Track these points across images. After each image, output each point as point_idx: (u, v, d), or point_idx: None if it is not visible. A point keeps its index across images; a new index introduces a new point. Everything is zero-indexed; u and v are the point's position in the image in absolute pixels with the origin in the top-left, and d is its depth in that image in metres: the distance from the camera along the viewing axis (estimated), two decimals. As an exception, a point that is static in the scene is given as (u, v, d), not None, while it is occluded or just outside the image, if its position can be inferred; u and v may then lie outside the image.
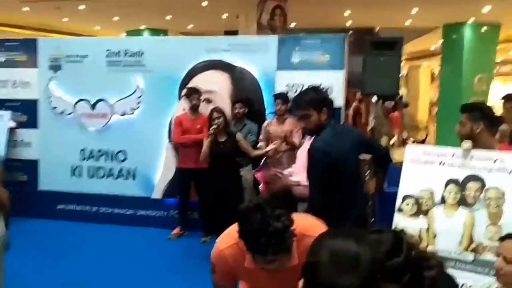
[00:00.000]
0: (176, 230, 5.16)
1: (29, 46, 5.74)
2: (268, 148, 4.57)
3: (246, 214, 1.56)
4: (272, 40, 5.23)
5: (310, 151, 2.56)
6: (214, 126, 4.46)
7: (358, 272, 0.97)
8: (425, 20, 12.19)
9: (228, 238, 1.79)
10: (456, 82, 12.31)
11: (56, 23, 13.34)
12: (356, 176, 2.61)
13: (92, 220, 5.50)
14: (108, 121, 5.55)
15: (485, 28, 11.96)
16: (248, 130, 4.84)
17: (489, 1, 9.94)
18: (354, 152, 2.59)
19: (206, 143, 4.48)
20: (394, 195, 2.65)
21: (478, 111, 2.62)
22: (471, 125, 2.58)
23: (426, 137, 11.73)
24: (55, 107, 5.65)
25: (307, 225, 1.71)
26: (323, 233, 1.16)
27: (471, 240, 2.29)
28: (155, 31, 14.21)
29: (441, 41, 13.18)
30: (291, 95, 4.95)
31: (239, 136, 4.56)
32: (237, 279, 1.90)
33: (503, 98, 3.97)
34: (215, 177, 4.53)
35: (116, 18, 12.62)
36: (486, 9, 10.42)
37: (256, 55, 5.17)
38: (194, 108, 5.00)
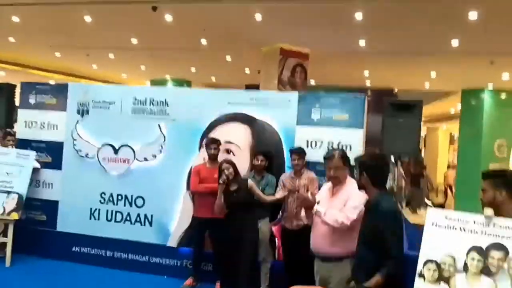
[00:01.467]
0: (189, 281, 5.09)
1: (59, 91, 6.00)
2: (278, 195, 4.63)
3: None
4: (292, 96, 5.37)
5: (392, 212, 2.83)
6: (223, 177, 4.49)
7: None
8: (444, 84, 12.38)
9: None
10: (475, 147, 12.29)
11: (85, 69, 13.94)
12: None
13: (106, 265, 5.48)
14: (129, 166, 5.65)
15: (504, 94, 12.08)
16: (266, 182, 4.87)
17: (508, 68, 10.10)
18: None
19: (218, 195, 4.50)
20: (415, 258, 2.61)
21: (501, 178, 2.63)
22: (494, 192, 2.58)
23: (445, 201, 11.53)
24: (80, 150, 5.80)
25: None
26: None
27: (495, 311, 2.22)
28: (179, 82, 14.68)
29: (459, 105, 13.29)
30: (309, 150, 5.02)
31: (250, 182, 4.58)
32: None
33: None
34: (230, 226, 4.52)
35: (142, 67, 13.13)
36: (505, 75, 10.57)
37: (277, 110, 5.29)
38: (213, 158, 5.08)
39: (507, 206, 2.54)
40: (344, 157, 3.54)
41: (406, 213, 6.83)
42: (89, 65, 13.25)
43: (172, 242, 5.44)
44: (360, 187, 3.05)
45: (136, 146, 5.65)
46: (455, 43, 8.28)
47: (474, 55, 8.94)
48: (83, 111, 5.86)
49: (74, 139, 5.83)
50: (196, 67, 12.69)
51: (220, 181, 4.49)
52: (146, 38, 9.63)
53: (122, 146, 5.70)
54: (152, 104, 5.65)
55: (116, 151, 5.71)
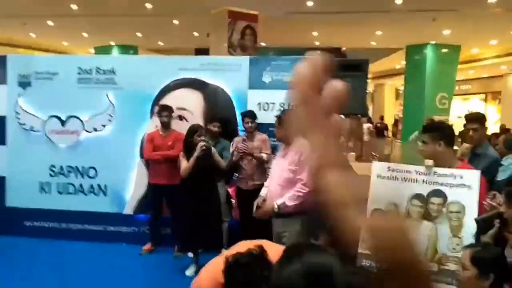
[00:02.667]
0: (148, 246, 5.15)
1: (-3, 63, 5.67)
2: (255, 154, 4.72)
3: (233, 271, 1.58)
4: (243, 60, 5.38)
5: None
6: (204, 144, 4.43)
7: (338, 282, 0.92)
8: (389, 42, 12.72)
9: (212, 276, 1.79)
10: (419, 100, 12.82)
11: (24, 39, 13.14)
12: None
13: (61, 237, 5.41)
14: (78, 138, 5.52)
15: (445, 49, 12.57)
16: (222, 147, 4.93)
17: (449, 25, 10.50)
18: None
19: (192, 158, 4.44)
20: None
21: (439, 131, 2.81)
22: (433, 144, 2.76)
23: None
24: (24, 124, 5.57)
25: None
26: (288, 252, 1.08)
27: (435, 252, 2.43)
28: (125, 48, 14.17)
29: (403, 61, 13.74)
30: (262, 113, 5.11)
31: (213, 149, 4.62)
32: None
33: (465, 118, 4.16)
34: (192, 192, 4.56)
35: (84, 35, 12.55)
36: (446, 31, 10.99)
37: (228, 74, 5.30)
38: (165, 125, 5.05)
39: (445, 156, 2.73)
40: None
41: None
42: (27, 34, 12.50)
43: (128, 210, 5.44)
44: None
45: (84, 117, 5.50)
46: (399, 1, 8.49)
47: (417, 12, 9.21)
48: (25, 84, 5.60)
49: (17, 113, 5.59)
50: (142, 32, 12.28)
51: (201, 146, 4.39)
52: (86, 3, 9.17)
53: (69, 117, 5.53)
54: (99, 73, 5.48)
55: (63, 122, 5.53)
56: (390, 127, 19.06)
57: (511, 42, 12.01)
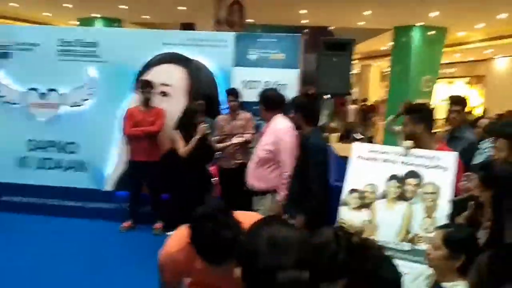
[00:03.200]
0: (127, 223, 5.14)
1: (-25, 32, 5.49)
2: (234, 141, 4.69)
3: (198, 222, 1.60)
4: (229, 36, 5.30)
5: (317, 147, 3.09)
6: (206, 126, 4.48)
7: (294, 252, 1.05)
8: (377, 22, 12.66)
9: (179, 240, 1.78)
10: (404, 83, 12.86)
11: (3, 8, 12.73)
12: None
13: (39, 213, 5.33)
14: (58, 111, 5.42)
15: (432, 31, 12.57)
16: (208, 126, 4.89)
17: (437, 6, 10.47)
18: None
19: (193, 140, 4.46)
20: (340, 189, 2.82)
21: (419, 113, 2.83)
22: (413, 126, 2.78)
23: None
24: (3, 96, 5.45)
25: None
26: (258, 222, 1.19)
27: (408, 231, 2.49)
28: (109, 20, 13.83)
29: (391, 42, 13.72)
30: (247, 91, 5.07)
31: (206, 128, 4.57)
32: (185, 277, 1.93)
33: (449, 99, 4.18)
34: (185, 172, 4.55)
35: (67, 5, 12.20)
36: (433, 13, 10.97)
37: (213, 50, 5.23)
38: (146, 101, 4.98)
39: (424, 138, 2.77)
40: (297, 103, 3.72)
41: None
42: (7, 3, 12.09)
43: (108, 186, 5.40)
44: (295, 124, 3.25)
45: (65, 90, 5.40)
46: (387, -19, 8.42)
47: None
48: (4, 54, 5.45)
49: (-4, 85, 5.46)
50: (127, 5, 11.97)
51: (202, 132, 4.46)
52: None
53: (49, 90, 5.41)
54: (81, 45, 5.35)
55: (43, 96, 5.42)
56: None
57: (497, 26, 12.07)
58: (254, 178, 3.55)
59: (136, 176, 5.07)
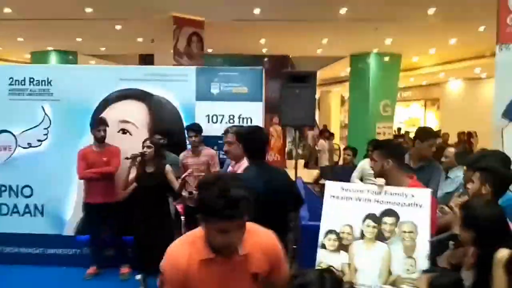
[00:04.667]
0: (92, 269, 4.83)
1: None
2: (185, 174, 4.42)
3: (208, 183, 1.66)
4: (190, 70, 5.20)
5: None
6: (135, 153, 4.32)
7: None
8: (334, 50, 12.99)
9: (179, 243, 1.84)
10: (364, 107, 13.18)
11: (-50, 43, 12.18)
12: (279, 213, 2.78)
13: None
14: (12, 154, 5.09)
15: (387, 57, 13.01)
16: (170, 162, 4.71)
17: (390, 34, 10.86)
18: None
19: (126, 169, 4.35)
20: (316, 228, 2.71)
21: (388, 148, 2.79)
22: (382, 162, 2.73)
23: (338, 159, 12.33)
24: (-51, 140, 5.08)
25: (253, 225, 1.84)
26: None
27: (389, 273, 2.39)
28: (64, 53, 13.51)
29: (349, 69, 14.08)
30: (210, 126, 4.95)
31: (168, 167, 4.38)
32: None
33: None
34: (144, 209, 4.31)
35: (20, 39, 11.82)
36: (388, 41, 11.36)
37: (174, 85, 5.10)
38: (100, 140, 4.73)
39: (395, 174, 2.71)
40: (238, 134, 3.57)
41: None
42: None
43: (69, 231, 5.08)
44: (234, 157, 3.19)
45: (17, 131, 5.08)
46: (343, 10, 8.66)
47: (361, 22, 9.45)
48: (-50, 95, 5.10)
49: None
50: (82, 37, 11.74)
51: (129, 156, 4.32)
52: (21, 7, 8.61)
53: (0, 131, 5.08)
54: (33, 83, 5.09)
55: (-6, 137, 5.09)
56: (336, 134, 19.45)
57: (448, 51, 12.64)
58: None
59: (94, 219, 4.80)
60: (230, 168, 3.71)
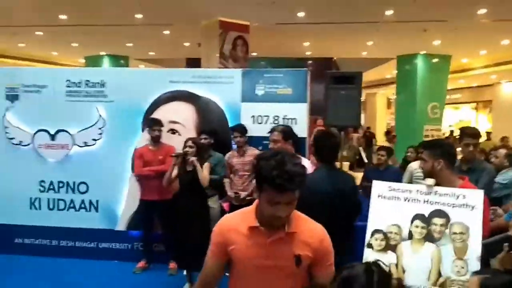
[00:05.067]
0: (141, 263, 5.03)
1: (-16, 75, 5.52)
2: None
3: (267, 156, 1.76)
4: (235, 73, 5.31)
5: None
6: (178, 151, 4.48)
7: None
8: (380, 52, 12.77)
9: (232, 213, 2.03)
10: (411, 109, 12.86)
11: (12, 49, 12.97)
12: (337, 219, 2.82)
13: (52, 254, 5.26)
14: (69, 152, 5.39)
15: (435, 59, 12.64)
16: (216, 161, 4.83)
17: (439, 35, 10.56)
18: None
19: (170, 167, 4.47)
20: (363, 228, 2.71)
21: (439, 148, 2.73)
22: (432, 162, 2.67)
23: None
24: (13, 138, 5.43)
25: (307, 217, 1.96)
26: None
27: (439, 275, 2.35)
28: (115, 58, 14.04)
29: (395, 71, 13.78)
30: (255, 126, 5.03)
31: (206, 165, 4.49)
32: (226, 258, 1.93)
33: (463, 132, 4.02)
34: (181, 206, 4.46)
35: (74, 44, 12.41)
36: (436, 42, 11.05)
37: (221, 87, 5.22)
38: (156, 140, 4.94)
39: (446, 175, 2.66)
40: (284, 132, 3.67)
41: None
42: (16, 44, 12.33)
43: (121, 226, 5.30)
44: (314, 163, 3.18)
45: (74, 131, 5.37)
46: (389, 12, 8.51)
47: (408, 23, 9.25)
48: (12, 97, 5.46)
49: (6, 127, 5.44)
50: (133, 42, 12.17)
51: (173, 154, 4.47)
52: (76, 13, 9.06)
53: (58, 131, 5.39)
54: (88, 85, 5.37)
55: (52, 137, 5.40)
56: (381, 136, 19.06)
57: (500, 52, 12.13)
58: None
59: (148, 216, 4.98)
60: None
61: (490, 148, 5.19)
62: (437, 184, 2.58)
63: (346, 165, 10.68)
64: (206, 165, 4.50)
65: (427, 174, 2.69)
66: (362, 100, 5.14)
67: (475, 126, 18.44)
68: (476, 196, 2.44)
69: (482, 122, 19.34)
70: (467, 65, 14.57)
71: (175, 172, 4.52)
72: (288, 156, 1.75)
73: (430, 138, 12.02)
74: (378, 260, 2.12)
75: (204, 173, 4.41)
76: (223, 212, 4.98)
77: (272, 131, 3.90)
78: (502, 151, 4.22)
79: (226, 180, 4.90)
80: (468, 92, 19.58)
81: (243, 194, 4.73)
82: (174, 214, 4.50)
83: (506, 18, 8.59)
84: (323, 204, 2.87)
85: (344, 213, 3.05)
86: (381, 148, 6.01)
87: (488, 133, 14.95)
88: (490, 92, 18.18)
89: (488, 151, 4.95)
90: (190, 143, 4.46)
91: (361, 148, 11.69)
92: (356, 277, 1.51)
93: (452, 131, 12.35)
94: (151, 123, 4.96)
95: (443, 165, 2.67)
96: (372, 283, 1.48)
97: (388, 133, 12.81)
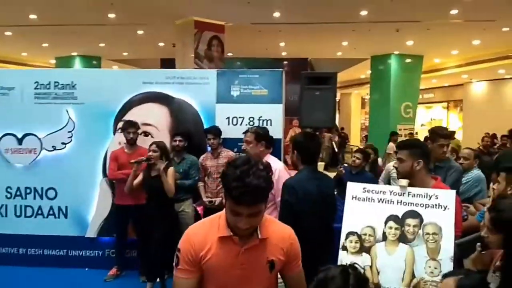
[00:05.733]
0: (113, 271, 4.90)
1: None
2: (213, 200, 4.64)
3: (234, 165, 1.66)
4: (210, 73, 5.23)
5: (283, 187, 2.93)
6: (141, 158, 4.41)
7: None
8: (354, 52, 12.89)
9: (199, 222, 1.95)
10: (384, 109, 13.03)
11: (-22, 49, 12.57)
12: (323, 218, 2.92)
13: (20, 263, 5.06)
14: (37, 157, 5.21)
15: (408, 59, 12.84)
16: (190, 163, 4.75)
17: (412, 36, 10.72)
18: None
19: (131, 173, 4.41)
20: (337, 230, 2.69)
21: (419, 149, 2.71)
22: (412, 162, 2.65)
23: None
24: (-23, 143, 5.23)
25: (274, 218, 1.99)
26: None
27: (412, 276, 2.35)
28: (88, 58, 13.77)
29: (369, 71, 13.95)
30: (230, 128, 4.98)
31: (170, 170, 4.39)
32: (199, 273, 1.81)
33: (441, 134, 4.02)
34: (146, 213, 4.41)
35: (45, 45, 12.11)
36: (409, 42, 11.21)
37: (195, 88, 5.14)
38: (131, 142, 4.84)
39: (422, 175, 2.65)
40: (257, 133, 3.65)
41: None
42: (-17, 44, 11.94)
43: (91, 233, 5.15)
44: (293, 164, 3.13)
45: (42, 134, 5.20)
46: (363, 12, 8.58)
47: (381, 23, 9.36)
48: (-22, 99, 5.25)
49: (-30, 131, 5.23)
50: (105, 42, 11.96)
51: (133, 161, 4.41)
52: (46, 13, 8.82)
53: (26, 135, 5.20)
54: (57, 87, 5.20)
55: (19, 141, 5.21)
56: (356, 136, 19.29)
57: (471, 52, 12.42)
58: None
59: (122, 220, 4.87)
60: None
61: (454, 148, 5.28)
62: (411, 184, 2.58)
63: (321, 166, 10.74)
64: (171, 171, 4.39)
65: (404, 174, 2.67)
66: (337, 100, 5.17)
67: (446, 125, 18.92)
68: (448, 196, 2.45)
69: (453, 121, 19.79)
70: (439, 65, 14.88)
71: (138, 178, 4.43)
72: (255, 167, 1.65)
73: (403, 138, 12.22)
74: (355, 263, 2.11)
75: (169, 183, 4.31)
76: (197, 216, 4.91)
77: (246, 132, 3.90)
78: (466, 151, 4.29)
79: (200, 184, 4.84)
80: (440, 92, 20.01)
81: (217, 201, 4.66)
82: (143, 221, 4.42)
83: (478, 19, 8.79)
84: (312, 208, 2.87)
85: (328, 216, 3.08)
86: (357, 150, 5.95)
87: (453, 132, 15.27)
88: (461, 92, 18.62)
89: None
90: (153, 147, 4.38)
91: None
92: (332, 279, 1.49)
93: (412, 133, 12.50)
94: (127, 126, 4.85)
95: (422, 165, 2.66)
96: (348, 286, 1.47)
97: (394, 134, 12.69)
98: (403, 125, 12.82)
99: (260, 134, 3.75)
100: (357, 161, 5.38)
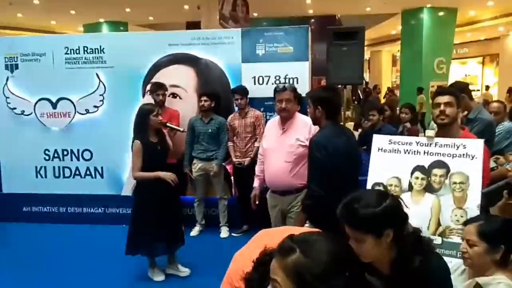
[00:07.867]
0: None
1: (-18, 46, 5.47)
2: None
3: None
4: (235, 33, 5.20)
5: (310, 144, 2.88)
6: (180, 128, 4.41)
7: None
8: (384, 7, 12.44)
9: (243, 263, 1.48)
10: (416, 66, 12.63)
11: (10, 19, 12.82)
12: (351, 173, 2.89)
13: (60, 221, 5.37)
14: (71, 120, 5.40)
15: (442, 12, 12.29)
16: (218, 124, 4.83)
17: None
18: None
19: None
20: (363, 183, 2.71)
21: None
22: (456, 108, 2.57)
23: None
24: (14, 108, 5.44)
25: None
26: None
27: (438, 224, 2.37)
28: (114, 24, 13.85)
29: (400, 26, 13.47)
30: (257, 87, 4.98)
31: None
32: None
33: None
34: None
35: (72, 12, 12.23)
36: (442, -6, 10.71)
37: (220, 48, 5.13)
38: (160, 104, 4.92)
39: (458, 124, 2.60)
40: (295, 91, 3.55)
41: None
42: (14, 14, 12.17)
43: (127, 191, 5.36)
44: (315, 120, 3.07)
45: (75, 98, 5.36)
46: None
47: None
48: (12, 66, 5.43)
49: (7, 97, 5.45)
50: (131, 8, 11.98)
51: (167, 123, 4.17)
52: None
53: (60, 99, 5.38)
54: (87, 52, 5.31)
55: (54, 105, 5.40)
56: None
57: (508, 2, 11.76)
58: (294, 176, 3.33)
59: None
60: (274, 126, 3.65)
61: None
62: (446, 133, 2.56)
63: (350, 126, 10.65)
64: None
65: (452, 120, 2.59)
66: (366, 58, 5.02)
67: (481, 80, 18.23)
68: (477, 146, 2.43)
69: (489, 76, 19.04)
70: (474, 17, 14.20)
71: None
72: None
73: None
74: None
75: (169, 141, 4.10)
76: (227, 174, 5.03)
77: (283, 90, 3.53)
78: (496, 105, 4.19)
79: (230, 144, 4.90)
80: (475, 46, 19.17)
81: (246, 161, 4.75)
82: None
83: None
84: (342, 163, 2.83)
85: (356, 170, 3.05)
86: (372, 108, 5.71)
87: (487, 87, 14.86)
88: (497, 46, 17.78)
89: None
90: (159, 116, 3.97)
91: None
92: (366, 195, 1.55)
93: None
94: (155, 88, 4.92)
95: (456, 113, 2.62)
96: (381, 204, 1.48)
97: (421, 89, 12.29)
98: (436, 81, 12.44)
99: (297, 91, 3.67)
100: (374, 118, 5.23)
